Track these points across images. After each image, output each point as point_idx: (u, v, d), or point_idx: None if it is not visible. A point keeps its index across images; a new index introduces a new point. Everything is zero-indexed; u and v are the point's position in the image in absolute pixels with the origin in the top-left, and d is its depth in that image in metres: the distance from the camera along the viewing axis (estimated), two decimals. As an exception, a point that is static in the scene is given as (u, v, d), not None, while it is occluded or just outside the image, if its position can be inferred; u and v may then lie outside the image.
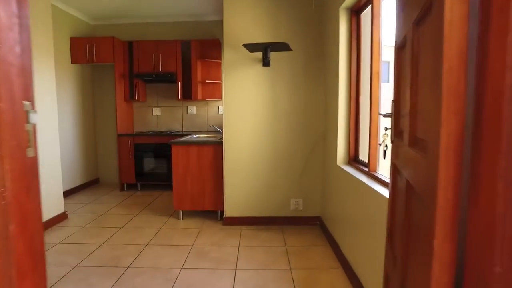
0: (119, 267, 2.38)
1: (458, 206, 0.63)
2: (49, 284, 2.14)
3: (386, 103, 2.16)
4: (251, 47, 2.83)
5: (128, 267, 2.39)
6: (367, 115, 2.33)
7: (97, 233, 3.05)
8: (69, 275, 2.26)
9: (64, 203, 3.50)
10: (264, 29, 3.09)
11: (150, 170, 4.69)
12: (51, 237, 2.94)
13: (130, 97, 4.74)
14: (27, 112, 0.73)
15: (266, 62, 2.88)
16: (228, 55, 3.12)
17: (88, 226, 3.26)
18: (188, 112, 5.06)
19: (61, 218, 3.36)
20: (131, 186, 4.84)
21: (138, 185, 4.79)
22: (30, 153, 0.68)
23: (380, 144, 1.65)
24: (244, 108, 3.16)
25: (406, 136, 1.06)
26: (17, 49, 0.71)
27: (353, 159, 2.62)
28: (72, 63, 4.51)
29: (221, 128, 4.52)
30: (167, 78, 4.63)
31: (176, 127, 5.10)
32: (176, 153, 3.34)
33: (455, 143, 0.63)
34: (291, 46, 2.89)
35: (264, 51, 2.86)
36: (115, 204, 4.03)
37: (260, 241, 2.86)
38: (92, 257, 2.54)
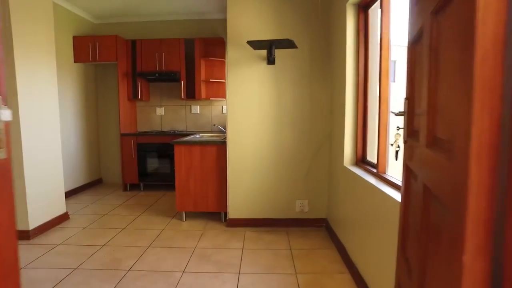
0: (120, 270, 2.32)
1: (493, 215, 0.55)
2: (47, 287, 2.09)
3: (393, 102, 2.08)
4: (256, 45, 2.76)
5: (129, 270, 2.32)
6: (375, 114, 2.24)
7: (99, 235, 2.99)
8: (68, 278, 2.20)
9: (67, 204, 3.45)
10: (268, 26, 3.02)
11: (154, 170, 4.64)
12: (51, 238, 2.89)
13: (133, 96, 4.69)
14: (-5, 108, 0.64)
15: (270, 60, 2.81)
16: (232, 53, 3.05)
17: (90, 227, 3.21)
18: (192, 112, 5.00)
19: (62, 218, 3.31)
20: (134, 186, 4.79)
21: (141, 185, 4.74)
22: (0, 154, 0.61)
23: (392, 145, 1.56)
24: (248, 107, 3.09)
25: (422, 136, 0.98)
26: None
27: (361, 160, 2.53)
28: (75, 62, 4.47)
29: (225, 127, 4.45)
30: (171, 77, 4.57)
31: (180, 126, 5.04)
32: (179, 153, 3.27)
33: (489, 142, 0.55)
34: (297, 44, 2.81)
35: (269, 49, 2.79)
36: (118, 204, 3.99)
37: (264, 244, 2.79)
38: (92, 259, 2.49)
